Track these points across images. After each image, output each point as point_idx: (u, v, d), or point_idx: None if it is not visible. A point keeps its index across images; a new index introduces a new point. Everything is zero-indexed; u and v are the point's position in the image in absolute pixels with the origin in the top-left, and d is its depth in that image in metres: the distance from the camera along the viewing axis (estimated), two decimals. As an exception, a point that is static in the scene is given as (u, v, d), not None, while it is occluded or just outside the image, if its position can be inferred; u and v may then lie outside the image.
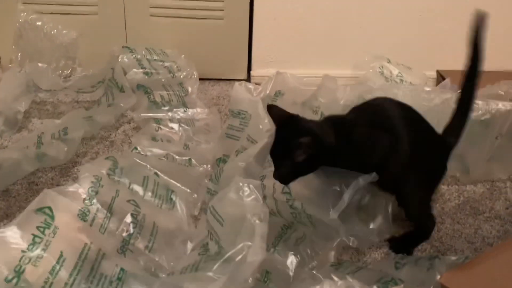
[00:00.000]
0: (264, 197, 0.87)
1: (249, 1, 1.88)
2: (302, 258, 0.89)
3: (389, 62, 1.87)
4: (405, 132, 0.98)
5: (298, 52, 1.98)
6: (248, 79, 1.99)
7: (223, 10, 1.87)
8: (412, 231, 1.09)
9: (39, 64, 1.50)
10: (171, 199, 1.00)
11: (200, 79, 1.67)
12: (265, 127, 1.04)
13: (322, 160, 0.91)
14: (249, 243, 0.68)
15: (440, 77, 1.88)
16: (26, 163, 1.14)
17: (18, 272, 0.66)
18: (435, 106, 1.24)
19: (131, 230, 0.85)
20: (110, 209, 0.84)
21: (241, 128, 1.16)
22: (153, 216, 0.91)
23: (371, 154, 0.98)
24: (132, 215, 0.87)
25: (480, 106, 1.22)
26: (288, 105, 1.31)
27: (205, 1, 1.86)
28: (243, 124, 1.16)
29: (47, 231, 0.71)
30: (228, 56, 1.96)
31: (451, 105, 1.26)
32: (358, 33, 1.98)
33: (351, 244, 0.98)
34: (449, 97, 1.23)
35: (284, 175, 0.90)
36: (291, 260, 0.88)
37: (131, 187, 0.96)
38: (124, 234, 0.83)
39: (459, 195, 1.27)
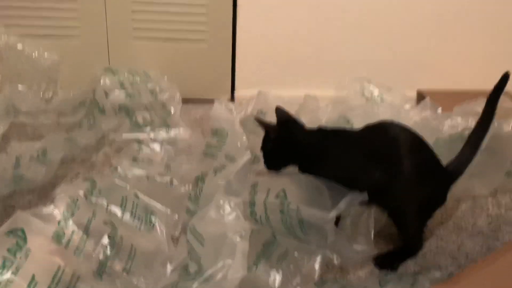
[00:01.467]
0: (254, 204, 0.88)
1: (231, 23, 1.91)
2: (285, 275, 0.87)
3: (369, 82, 1.90)
4: (410, 164, 0.99)
5: (281, 73, 2.00)
6: (232, 99, 2.00)
7: (206, 31, 1.89)
8: (399, 247, 1.08)
9: (19, 86, 1.48)
10: (150, 220, 0.98)
11: (183, 100, 1.66)
12: (243, 144, 1.04)
13: (290, 156, 1.06)
14: (230, 261, 0.66)
15: (421, 96, 1.91)
16: (2, 185, 1.11)
17: None
18: (415, 124, 1.25)
19: (108, 252, 0.82)
20: (86, 230, 0.82)
21: (218, 146, 1.16)
22: (131, 238, 0.89)
23: (350, 172, 1.00)
24: (109, 236, 0.85)
25: (460, 122, 1.23)
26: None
27: (189, 24, 1.87)
28: (220, 142, 1.16)
29: (18, 254, 0.69)
30: (211, 77, 1.97)
31: (431, 123, 1.28)
32: (340, 54, 2.01)
33: (335, 261, 0.97)
34: (427, 114, 1.25)
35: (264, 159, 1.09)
36: (274, 278, 0.86)
37: (109, 208, 0.94)
38: (101, 256, 0.81)
39: (441, 212, 1.27)
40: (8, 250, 0.68)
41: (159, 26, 1.86)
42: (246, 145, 1.02)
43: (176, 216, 1.09)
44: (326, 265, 0.97)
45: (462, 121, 1.24)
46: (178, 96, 1.64)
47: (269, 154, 1.10)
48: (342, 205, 0.90)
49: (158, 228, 0.97)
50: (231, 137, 1.10)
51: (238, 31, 1.92)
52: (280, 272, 0.88)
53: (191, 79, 1.91)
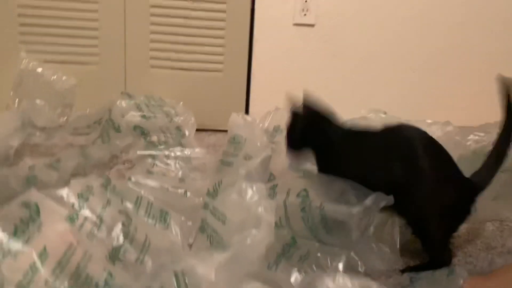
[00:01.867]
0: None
1: (247, 54, 1.95)
2: (307, 275, 0.81)
3: (385, 114, 1.89)
4: (428, 166, 0.96)
5: (294, 106, 2.01)
6: (245, 131, 2.00)
7: (222, 63, 1.92)
8: (427, 262, 1.01)
9: (37, 101, 1.49)
10: (165, 220, 0.94)
11: (197, 129, 1.66)
12: (263, 143, 1.02)
13: (314, 141, 1.04)
14: (255, 231, 0.62)
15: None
16: (15, 182, 1.08)
17: None
18: (437, 139, 1.22)
19: (121, 240, 0.77)
20: (100, 216, 0.78)
21: (235, 153, 1.14)
22: (146, 230, 0.85)
23: (371, 171, 0.96)
24: (123, 224, 0.80)
25: (483, 137, 1.21)
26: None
27: (206, 54, 1.91)
28: (237, 149, 1.13)
29: (31, 225, 0.66)
30: (226, 107, 1.98)
31: (454, 138, 1.26)
32: (354, 89, 2.04)
33: (359, 268, 0.91)
34: (451, 129, 1.22)
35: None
36: (295, 277, 0.80)
37: (123, 203, 0.90)
38: (114, 243, 0.76)
39: (468, 233, 1.21)
40: (21, 219, 0.65)
41: (176, 56, 1.90)
42: (266, 144, 0.99)
43: (191, 223, 1.05)
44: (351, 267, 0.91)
45: (486, 136, 1.21)
46: (193, 120, 1.63)
47: (294, 137, 1.08)
48: (368, 202, 0.86)
49: (173, 228, 0.93)
50: (249, 140, 1.08)
51: (254, 63, 1.96)
52: (302, 272, 0.81)
53: (205, 109, 1.92)
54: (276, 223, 0.89)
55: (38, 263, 0.63)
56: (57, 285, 0.63)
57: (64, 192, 0.77)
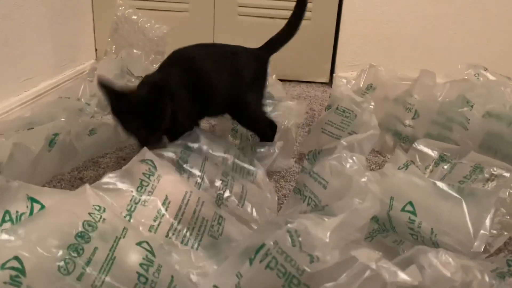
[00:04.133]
0: None
1: (337, 2, 1.86)
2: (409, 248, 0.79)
3: (486, 70, 1.75)
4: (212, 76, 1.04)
5: (384, 57, 1.91)
6: (330, 82, 1.95)
7: (311, 11, 1.86)
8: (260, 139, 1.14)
9: (134, 51, 1.55)
10: (251, 174, 0.97)
11: (281, 80, 1.64)
12: (373, 122, 0.98)
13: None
14: (360, 201, 0.62)
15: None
16: (118, 133, 1.16)
17: (130, 211, 0.69)
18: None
19: (222, 189, 0.85)
20: (202, 170, 0.85)
21: (342, 127, 1.11)
22: (241, 180, 0.90)
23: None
24: (223, 174, 0.87)
25: None
26: (379, 101, 1.25)
27: (293, 1, 1.85)
28: (345, 123, 1.11)
29: (152, 178, 0.74)
30: (312, 58, 1.94)
31: None
32: (451, 41, 1.88)
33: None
34: None
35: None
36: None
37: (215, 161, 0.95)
38: (217, 191, 0.84)
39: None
40: (143, 173, 0.73)
41: (264, 3, 1.86)
42: (375, 124, 0.96)
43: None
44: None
45: None
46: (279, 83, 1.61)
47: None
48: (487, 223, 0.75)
49: (261, 183, 0.96)
50: (359, 120, 1.05)
51: (344, 11, 1.87)
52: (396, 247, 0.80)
53: (290, 59, 1.89)
54: (378, 229, 0.86)
55: (163, 209, 0.72)
56: (181, 227, 0.72)
57: (169, 151, 0.83)
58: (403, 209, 0.76)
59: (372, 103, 1.05)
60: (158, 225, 0.70)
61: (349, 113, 1.10)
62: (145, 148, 0.78)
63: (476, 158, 0.91)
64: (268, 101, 1.28)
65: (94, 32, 1.92)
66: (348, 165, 0.73)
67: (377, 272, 0.53)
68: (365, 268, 0.54)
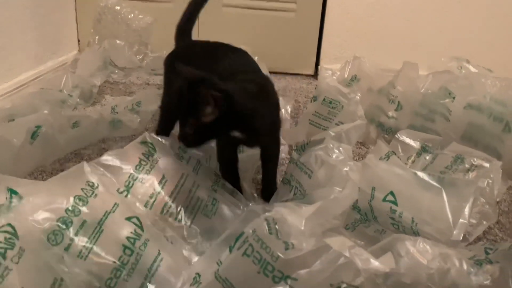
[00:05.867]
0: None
1: (322, -7, 1.86)
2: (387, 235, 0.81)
3: (468, 62, 1.76)
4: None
5: (369, 49, 1.92)
6: (315, 74, 1.96)
7: (295, 2, 1.86)
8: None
9: (117, 41, 1.53)
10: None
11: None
12: (359, 112, 0.99)
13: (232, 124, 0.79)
14: (340, 189, 0.64)
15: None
16: (101, 125, 1.15)
17: (128, 187, 0.73)
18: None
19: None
20: (200, 159, 0.88)
21: (329, 118, 1.12)
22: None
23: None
24: None
25: None
26: (363, 92, 1.26)
27: (278, -7, 1.85)
28: (332, 114, 1.11)
29: (150, 158, 0.78)
30: (297, 50, 1.94)
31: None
32: (435, 34, 1.90)
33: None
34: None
35: (189, 135, 0.79)
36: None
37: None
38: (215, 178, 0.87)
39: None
40: (143, 153, 0.78)
41: (249, -6, 1.86)
42: (361, 114, 0.97)
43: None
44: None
45: None
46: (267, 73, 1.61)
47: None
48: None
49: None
50: (346, 111, 1.06)
51: (329, 3, 1.87)
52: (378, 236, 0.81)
53: (275, 51, 1.89)
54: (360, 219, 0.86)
55: (159, 187, 0.76)
56: (175, 205, 0.76)
57: (166, 139, 0.84)
58: (384, 199, 0.77)
59: (359, 94, 1.05)
60: (154, 201, 0.74)
61: (336, 103, 1.10)
62: (145, 133, 0.81)
63: (457, 149, 0.93)
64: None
65: (76, 23, 1.89)
66: (334, 156, 0.74)
67: (350, 260, 0.54)
68: (338, 255, 0.55)
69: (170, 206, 0.75)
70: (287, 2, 1.86)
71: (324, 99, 1.13)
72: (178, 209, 0.75)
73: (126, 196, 0.72)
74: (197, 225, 0.76)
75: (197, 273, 0.60)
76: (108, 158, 0.74)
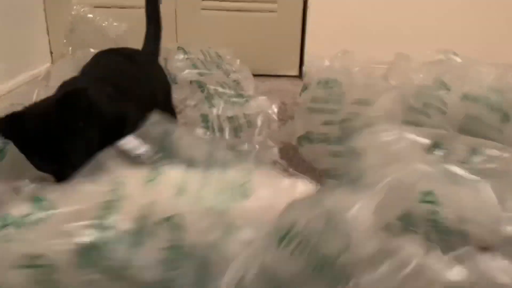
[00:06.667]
0: None
1: (303, -8, 1.81)
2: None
3: (456, 55, 1.73)
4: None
5: (353, 48, 1.87)
6: (300, 75, 1.90)
7: (276, 3, 1.80)
8: None
9: (91, 50, 1.45)
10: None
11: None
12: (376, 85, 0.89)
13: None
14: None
15: (514, 69, 1.72)
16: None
17: None
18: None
19: None
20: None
21: (331, 99, 1.02)
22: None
23: None
24: None
25: None
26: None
27: (258, -6, 1.80)
28: (334, 93, 1.02)
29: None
30: (279, 51, 1.88)
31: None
32: (419, 28, 1.86)
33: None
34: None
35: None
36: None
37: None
38: None
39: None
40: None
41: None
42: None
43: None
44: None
45: None
46: (251, 77, 1.55)
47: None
48: None
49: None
50: (349, 84, 0.96)
51: (310, 2, 1.82)
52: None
53: (258, 53, 1.83)
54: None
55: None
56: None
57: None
58: (423, 199, 0.68)
59: (357, 68, 0.96)
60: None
61: (333, 82, 1.02)
62: None
63: (469, 141, 0.86)
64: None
65: (48, 34, 1.81)
66: (390, 137, 0.65)
67: (423, 267, 0.46)
68: (409, 260, 0.46)
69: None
70: (268, 3, 1.80)
71: (318, 83, 1.05)
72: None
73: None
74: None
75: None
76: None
